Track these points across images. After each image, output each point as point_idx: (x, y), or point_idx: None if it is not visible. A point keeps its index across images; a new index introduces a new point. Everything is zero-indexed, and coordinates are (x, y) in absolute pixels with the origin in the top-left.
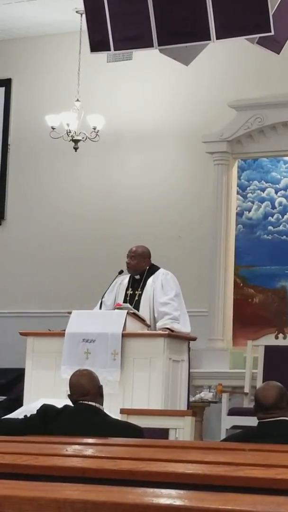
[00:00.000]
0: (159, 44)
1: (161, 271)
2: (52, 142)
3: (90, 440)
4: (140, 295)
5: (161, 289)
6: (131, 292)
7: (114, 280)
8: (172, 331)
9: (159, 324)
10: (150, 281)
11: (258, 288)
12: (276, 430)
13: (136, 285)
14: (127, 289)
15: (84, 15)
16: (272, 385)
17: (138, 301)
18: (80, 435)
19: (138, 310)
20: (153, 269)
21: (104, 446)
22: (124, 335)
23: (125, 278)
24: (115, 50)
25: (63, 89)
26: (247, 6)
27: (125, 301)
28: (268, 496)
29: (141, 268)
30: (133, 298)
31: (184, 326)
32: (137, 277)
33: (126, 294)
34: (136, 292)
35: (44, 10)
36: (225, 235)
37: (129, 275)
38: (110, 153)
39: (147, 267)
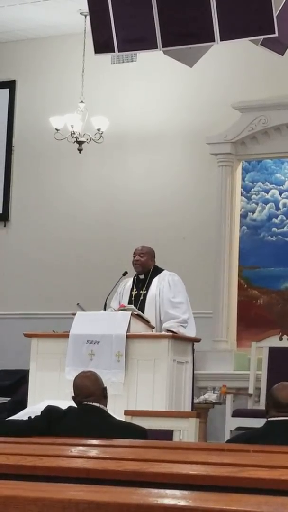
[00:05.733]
0: (163, 46)
1: (166, 272)
2: (56, 144)
3: (94, 441)
4: (145, 295)
5: (169, 288)
6: (136, 292)
7: (118, 282)
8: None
9: (165, 325)
10: (155, 281)
11: (262, 289)
12: (285, 430)
13: (141, 285)
14: (131, 290)
15: (88, 17)
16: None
17: (143, 300)
18: (84, 436)
19: (143, 310)
20: (158, 270)
21: (108, 447)
22: (128, 337)
23: (128, 281)
24: (119, 51)
25: (67, 90)
26: (251, 8)
27: (130, 301)
28: (272, 497)
29: (148, 266)
30: (138, 298)
31: (189, 331)
32: (142, 277)
33: (131, 295)
34: (141, 292)
35: (48, 12)
36: (229, 237)
37: (132, 277)
38: (114, 154)
39: (152, 267)
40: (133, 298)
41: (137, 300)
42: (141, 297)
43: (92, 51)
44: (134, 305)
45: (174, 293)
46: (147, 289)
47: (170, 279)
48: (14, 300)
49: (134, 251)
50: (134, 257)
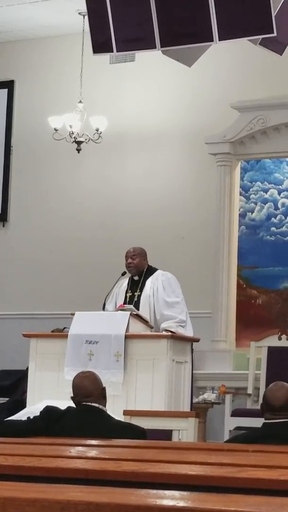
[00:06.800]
0: (162, 46)
1: (159, 272)
2: (54, 144)
3: (93, 442)
4: (139, 296)
5: (163, 289)
6: (130, 293)
7: (116, 282)
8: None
9: (163, 326)
10: (149, 282)
11: (261, 289)
12: (282, 432)
13: (135, 287)
14: (126, 292)
15: (86, 17)
16: (282, 385)
17: (138, 302)
18: (83, 436)
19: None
20: (151, 270)
21: (107, 448)
22: (127, 337)
23: (124, 282)
24: (117, 51)
25: (65, 90)
26: (249, 7)
27: (125, 303)
28: (271, 497)
29: (142, 267)
30: (132, 299)
31: (188, 331)
32: (136, 278)
33: (126, 297)
34: (135, 293)
35: (47, 12)
36: (228, 236)
37: (127, 278)
38: (113, 154)
39: (146, 268)
40: (128, 300)
41: (132, 302)
42: (135, 299)
43: (91, 51)
44: None
45: (168, 293)
46: (141, 290)
47: (163, 279)
48: (13, 300)
49: (125, 253)
50: (126, 260)
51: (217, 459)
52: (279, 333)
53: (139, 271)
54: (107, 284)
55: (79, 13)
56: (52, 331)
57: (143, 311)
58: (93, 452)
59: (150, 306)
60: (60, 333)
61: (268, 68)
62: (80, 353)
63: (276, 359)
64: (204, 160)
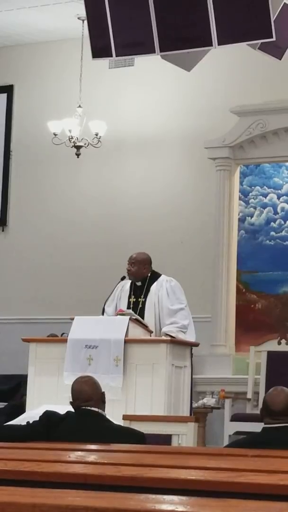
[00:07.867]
0: (161, 50)
1: (164, 278)
2: (54, 149)
3: (92, 447)
4: (144, 302)
5: (167, 296)
6: (134, 299)
7: (115, 286)
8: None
9: (164, 330)
10: (153, 288)
11: (261, 293)
12: (282, 436)
13: (139, 292)
14: (129, 297)
15: (86, 22)
16: (281, 390)
17: (143, 308)
18: (82, 441)
19: (143, 317)
20: (155, 276)
21: (106, 452)
22: (127, 341)
23: (126, 284)
24: (117, 56)
25: (65, 95)
26: (248, 12)
27: (128, 308)
28: (271, 502)
29: (141, 274)
30: (136, 305)
31: (189, 337)
32: (139, 283)
33: (129, 302)
34: (140, 300)
35: (46, 17)
36: (227, 241)
37: (131, 281)
38: (112, 159)
39: (149, 274)
40: (131, 306)
41: (136, 308)
42: (140, 305)
43: (90, 56)
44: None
45: (172, 301)
46: (145, 297)
47: (168, 286)
48: (13, 305)
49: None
50: (127, 264)
51: (216, 464)
52: (279, 337)
53: (138, 278)
54: (106, 289)
55: (78, 18)
56: (47, 336)
57: (149, 317)
58: (92, 457)
59: (155, 312)
60: (59, 338)
61: (267, 73)
62: (79, 357)
63: (276, 363)
64: (204, 164)
